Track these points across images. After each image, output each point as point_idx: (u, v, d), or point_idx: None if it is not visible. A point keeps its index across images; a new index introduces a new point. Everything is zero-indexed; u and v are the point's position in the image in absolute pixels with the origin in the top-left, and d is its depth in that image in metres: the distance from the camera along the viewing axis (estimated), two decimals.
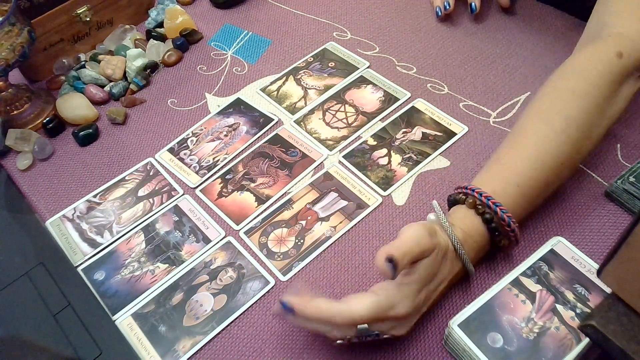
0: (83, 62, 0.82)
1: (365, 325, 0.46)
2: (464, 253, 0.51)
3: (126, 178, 0.70)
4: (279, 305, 0.47)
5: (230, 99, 0.78)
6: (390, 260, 0.44)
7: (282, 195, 0.66)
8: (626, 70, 0.56)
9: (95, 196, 0.68)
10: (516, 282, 0.53)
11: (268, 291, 0.57)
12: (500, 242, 0.53)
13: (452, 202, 0.56)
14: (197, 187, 0.68)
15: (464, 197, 0.53)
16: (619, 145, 0.65)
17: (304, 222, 0.63)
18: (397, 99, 0.74)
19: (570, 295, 0.52)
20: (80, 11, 0.81)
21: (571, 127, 0.54)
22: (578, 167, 0.62)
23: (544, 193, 0.55)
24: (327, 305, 0.45)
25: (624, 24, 0.58)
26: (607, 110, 0.56)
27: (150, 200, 0.67)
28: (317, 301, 0.46)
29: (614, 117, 0.57)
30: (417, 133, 0.70)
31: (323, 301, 0.46)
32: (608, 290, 0.35)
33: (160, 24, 0.88)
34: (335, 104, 0.75)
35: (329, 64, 0.80)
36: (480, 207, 0.52)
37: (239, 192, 0.67)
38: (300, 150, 0.70)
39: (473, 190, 0.53)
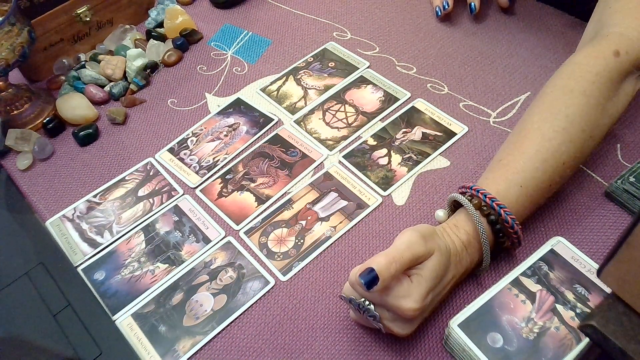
0: (83, 62, 0.82)
1: (365, 300, 0.47)
2: (487, 245, 0.51)
3: (126, 178, 0.70)
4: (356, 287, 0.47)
5: (230, 99, 0.78)
6: (371, 272, 0.45)
7: (282, 195, 0.66)
8: (624, 69, 0.56)
9: (95, 196, 0.68)
10: (516, 282, 0.53)
11: (268, 291, 0.57)
12: (503, 244, 0.53)
13: (455, 202, 0.55)
14: (197, 187, 0.68)
15: (469, 198, 0.53)
16: (619, 145, 0.65)
17: (304, 222, 0.63)
18: (397, 99, 0.74)
19: (570, 295, 0.52)
20: (80, 11, 0.81)
21: (572, 126, 0.54)
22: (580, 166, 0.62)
23: (547, 193, 0.55)
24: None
25: (623, 23, 0.58)
26: (608, 109, 0.56)
27: (150, 200, 0.67)
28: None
29: (615, 116, 0.57)
30: (417, 133, 0.70)
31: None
32: (608, 290, 0.35)
33: (160, 24, 0.88)
34: (335, 104, 0.75)
35: (329, 64, 0.80)
36: (485, 208, 0.52)
37: (239, 192, 0.67)
38: (300, 150, 0.70)
39: (478, 191, 0.52)
